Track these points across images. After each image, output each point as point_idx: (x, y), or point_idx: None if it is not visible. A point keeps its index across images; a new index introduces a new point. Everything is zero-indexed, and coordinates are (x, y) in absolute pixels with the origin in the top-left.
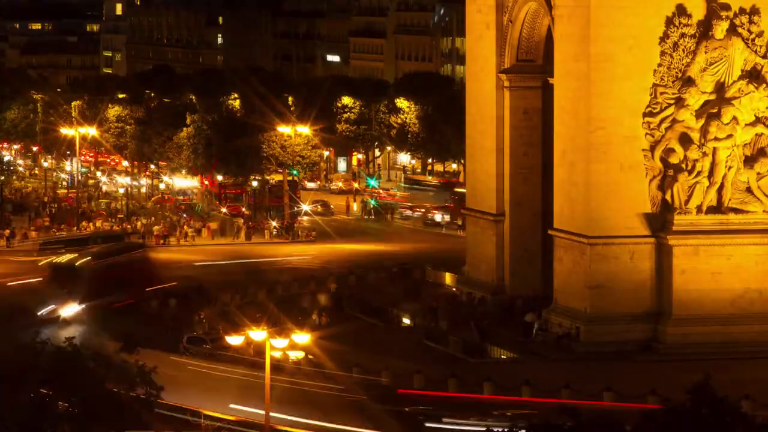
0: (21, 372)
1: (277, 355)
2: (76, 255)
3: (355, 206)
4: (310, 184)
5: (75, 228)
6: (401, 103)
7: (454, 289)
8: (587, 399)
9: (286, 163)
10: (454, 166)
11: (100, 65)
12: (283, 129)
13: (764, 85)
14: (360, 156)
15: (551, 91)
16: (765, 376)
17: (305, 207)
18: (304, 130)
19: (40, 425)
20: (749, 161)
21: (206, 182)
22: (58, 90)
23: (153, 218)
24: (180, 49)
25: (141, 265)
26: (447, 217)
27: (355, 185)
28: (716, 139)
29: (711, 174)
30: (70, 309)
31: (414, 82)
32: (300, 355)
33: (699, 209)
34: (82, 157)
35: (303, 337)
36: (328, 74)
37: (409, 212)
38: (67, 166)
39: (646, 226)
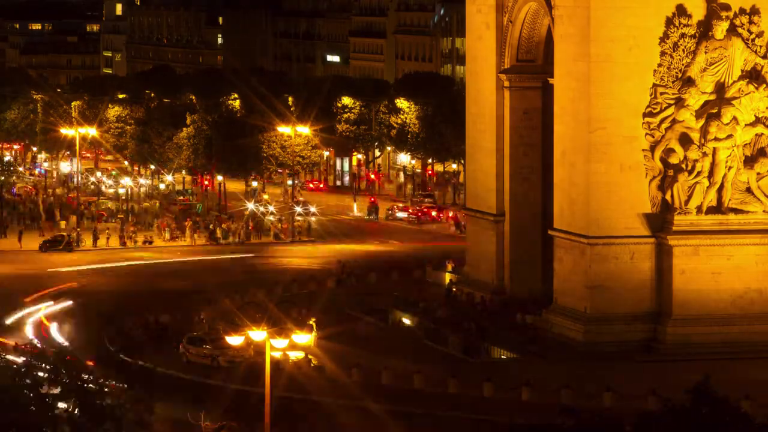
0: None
1: (277, 355)
2: None
3: (355, 207)
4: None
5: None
6: (401, 103)
7: (454, 289)
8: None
9: (286, 164)
10: (454, 166)
11: (100, 65)
12: (283, 129)
13: (764, 85)
14: (360, 156)
15: (551, 91)
16: (765, 376)
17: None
18: (304, 130)
19: (40, 425)
20: (749, 161)
21: (206, 182)
22: (58, 90)
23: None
24: (180, 49)
25: None
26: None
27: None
28: (716, 139)
29: (711, 174)
30: None
31: (414, 82)
32: (300, 355)
33: (699, 209)
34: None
35: (303, 337)
36: (328, 74)
37: (401, 213)
38: (67, 166)
39: (646, 227)
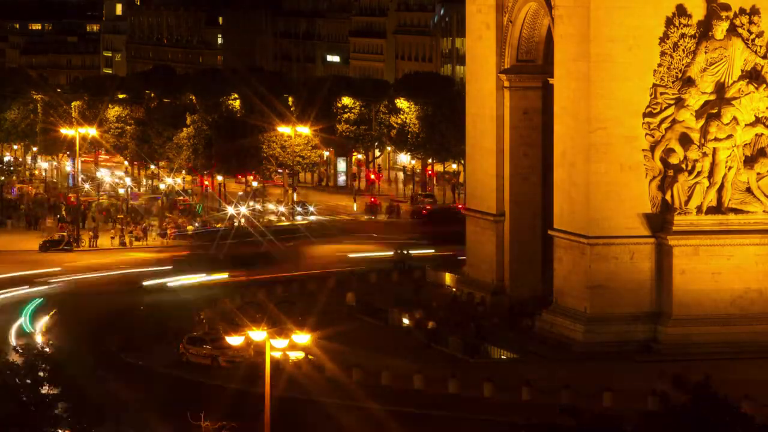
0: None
1: (277, 355)
2: None
3: (354, 206)
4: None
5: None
6: (401, 103)
7: (454, 289)
8: None
9: (286, 164)
10: (454, 166)
11: (100, 65)
12: (283, 129)
13: (764, 86)
14: (360, 156)
15: (551, 92)
16: (765, 376)
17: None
18: (304, 130)
19: (40, 425)
20: (749, 161)
21: (206, 183)
22: (58, 90)
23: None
24: (180, 49)
25: None
26: None
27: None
28: (716, 139)
29: (711, 174)
30: None
31: (414, 82)
32: (300, 355)
33: (699, 209)
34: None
35: (303, 337)
36: (328, 74)
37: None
38: (68, 166)
39: (646, 227)
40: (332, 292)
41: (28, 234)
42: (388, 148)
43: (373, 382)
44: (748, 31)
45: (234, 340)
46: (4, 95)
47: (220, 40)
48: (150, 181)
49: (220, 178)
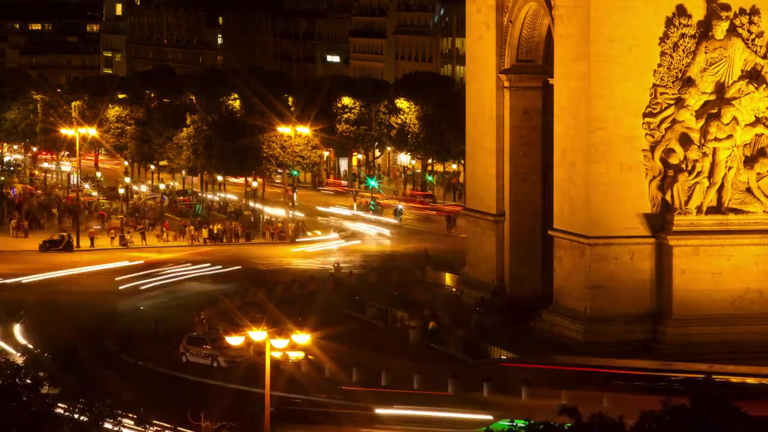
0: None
1: (277, 355)
2: None
3: (354, 206)
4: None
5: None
6: (401, 103)
7: (454, 289)
8: None
9: (286, 164)
10: (454, 166)
11: (100, 65)
12: (283, 129)
13: (764, 86)
14: (360, 156)
15: (551, 92)
16: None
17: None
18: (304, 130)
19: (40, 425)
20: (749, 161)
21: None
22: (58, 90)
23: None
24: (180, 49)
25: None
26: None
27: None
28: (716, 139)
29: (711, 174)
30: None
31: (414, 82)
32: (300, 355)
33: (699, 210)
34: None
35: (303, 338)
36: (328, 74)
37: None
38: (68, 166)
39: (646, 227)
40: (332, 292)
41: (29, 234)
42: (388, 148)
43: (374, 381)
44: (748, 31)
45: (234, 340)
46: (4, 95)
47: (220, 40)
48: (150, 181)
49: (220, 178)
